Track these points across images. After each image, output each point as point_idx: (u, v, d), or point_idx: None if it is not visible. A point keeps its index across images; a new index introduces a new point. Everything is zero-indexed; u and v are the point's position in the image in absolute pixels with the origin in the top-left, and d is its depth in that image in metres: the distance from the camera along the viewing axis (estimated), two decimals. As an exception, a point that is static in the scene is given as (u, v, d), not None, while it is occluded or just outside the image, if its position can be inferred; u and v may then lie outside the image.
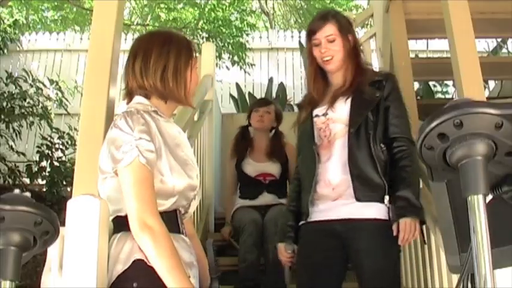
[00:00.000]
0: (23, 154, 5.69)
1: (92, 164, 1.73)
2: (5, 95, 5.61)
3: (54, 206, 4.62)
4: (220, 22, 7.92)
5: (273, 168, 3.73)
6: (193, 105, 1.83)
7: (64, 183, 5.18)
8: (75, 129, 5.58)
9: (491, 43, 7.09)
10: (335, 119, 2.19)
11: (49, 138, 5.44)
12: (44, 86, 6.07)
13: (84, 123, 1.85)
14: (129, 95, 1.73)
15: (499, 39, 6.72)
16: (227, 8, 8.47)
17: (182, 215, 1.66)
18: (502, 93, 5.57)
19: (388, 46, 4.36)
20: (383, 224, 2.09)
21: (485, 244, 0.86)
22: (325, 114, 2.21)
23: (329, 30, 2.19)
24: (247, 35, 7.74)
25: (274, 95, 7.08)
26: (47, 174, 5.30)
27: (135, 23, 8.74)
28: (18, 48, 7.71)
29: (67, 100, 6.26)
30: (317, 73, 2.27)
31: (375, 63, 4.90)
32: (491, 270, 0.85)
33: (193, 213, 2.16)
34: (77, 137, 2.06)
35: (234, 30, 7.78)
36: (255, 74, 7.81)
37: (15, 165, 5.61)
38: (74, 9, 9.09)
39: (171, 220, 1.58)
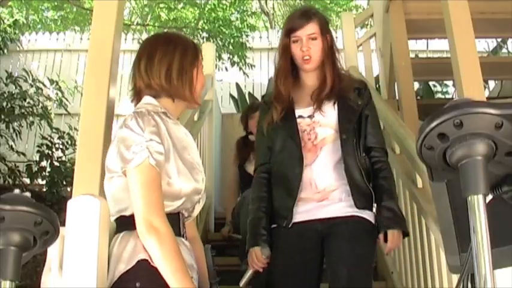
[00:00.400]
0: (23, 154, 5.68)
1: (92, 164, 1.73)
2: (5, 95, 5.61)
3: (54, 206, 4.62)
4: (220, 22, 7.92)
5: None
6: (200, 104, 1.85)
7: (64, 183, 5.18)
8: (75, 129, 5.58)
9: (491, 43, 7.10)
10: (323, 123, 2.13)
11: (49, 138, 5.44)
12: (44, 86, 6.07)
13: (84, 123, 1.85)
14: (137, 95, 1.74)
15: (499, 39, 6.73)
16: (227, 8, 8.47)
17: (185, 218, 1.66)
18: (502, 93, 5.58)
19: (388, 46, 4.37)
20: (368, 223, 2.07)
21: (485, 244, 0.86)
22: (310, 117, 2.14)
23: (311, 28, 2.14)
24: (246, 36, 7.74)
25: (274, 95, 7.07)
26: (47, 174, 5.30)
27: (135, 23, 8.74)
28: (18, 48, 7.71)
29: (67, 100, 6.26)
30: (289, 70, 2.19)
31: (375, 63, 4.90)
32: (491, 270, 0.85)
33: (195, 215, 2.15)
34: (77, 137, 2.06)
35: (234, 30, 7.78)
36: (255, 74, 7.81)
37: (15, 165, 5.61)
38: (74, 9, 9.09)
39: (174, 222, 1.57)
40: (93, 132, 1.80)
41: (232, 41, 7.57)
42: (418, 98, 5.73)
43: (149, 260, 1.49)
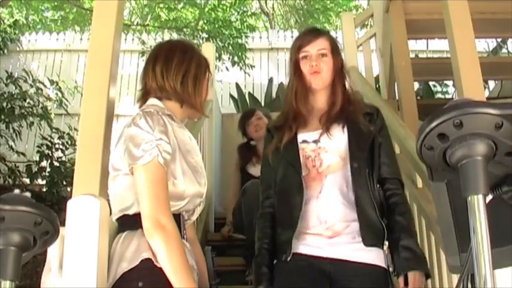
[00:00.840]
0: (23, 154, 5.69)
1: (92, 164, 1.73)
2: (5, 95, 5.61)
3: (54, 206, 4.63)
4: (220, 23, 7.92)
5: None
6: (207, 116, 1.87)
7: (64, 183, 5.19)
8: (75, 129, 5.59)
9: (491, 43, 7.10)
10: (329, 149, 1.96)
11: (49, 138, 5.45)
12: (44, 86, 6.08)
13: (84, 123, 1.85)
14: (145, 96, 1.77)
15: (499, 39, 6.73)
16: (227, 9, 8.47)
17: (185, 220, 1.67)
18: (502, 93, 5.58)
19: (388, 46, 4.37)
20: (380, 270, 1.88)
21: (485, 244, 0.86)
22: (316, 142, 1.98)
23: (321, 44, 2.05)
24: (246, 36, 7.75)
25: (274, 95, 7.08)
26: (47, 174, 5.30)
27: (135, 23, 8.73)
28: (18, 48, 7.72)
29: (67, 100, 6.27)
30: (307, 89, 2.04)
31: (375, 63, 4.91)
32: (491, 270, 0.85)
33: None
34: (77, 137, 2.06)
35: (234, 31, 7.78)
36: (255, 74, 7.81)
37: (15, 165, 5.62)
38: (74, 9, 9.08)
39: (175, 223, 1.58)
40: (93, 132, 1.80)
41: (232, 42, 7.57)
42: (418, 98, 5.73)
43: (153, 259, 1.50)
